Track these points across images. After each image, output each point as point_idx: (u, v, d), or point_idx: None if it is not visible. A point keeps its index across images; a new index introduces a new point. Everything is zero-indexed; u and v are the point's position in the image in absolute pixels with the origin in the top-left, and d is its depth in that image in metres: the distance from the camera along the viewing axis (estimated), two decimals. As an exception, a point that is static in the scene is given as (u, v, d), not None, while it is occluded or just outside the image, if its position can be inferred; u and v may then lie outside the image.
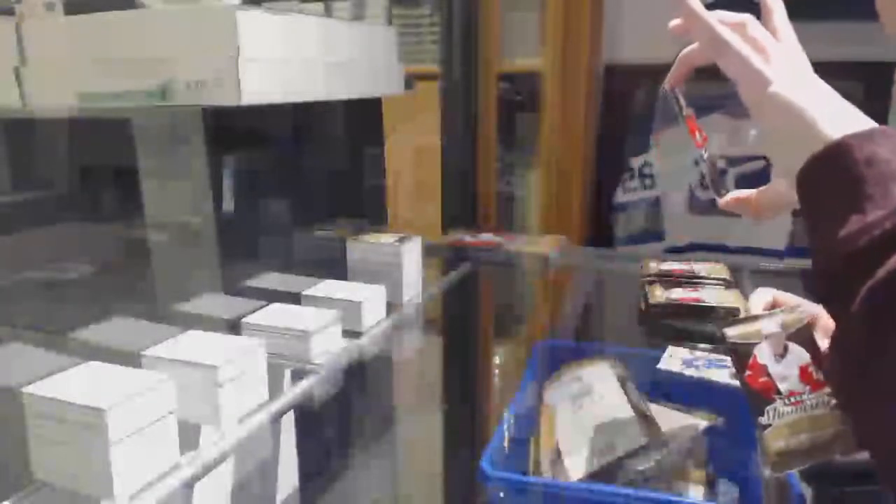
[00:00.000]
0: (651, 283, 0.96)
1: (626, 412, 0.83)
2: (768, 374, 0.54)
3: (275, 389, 0.65)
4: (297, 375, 0.70)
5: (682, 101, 0.58)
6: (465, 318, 1.28)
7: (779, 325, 0.55)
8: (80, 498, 0.51)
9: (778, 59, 0.48)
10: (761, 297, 0.62)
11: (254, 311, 0.75)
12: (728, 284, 0.96)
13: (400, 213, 1.32)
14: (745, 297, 0.87)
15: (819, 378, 0.53)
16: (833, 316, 0.41)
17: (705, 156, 0.58)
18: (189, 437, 0.57)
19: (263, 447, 0.81)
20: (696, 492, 0.81)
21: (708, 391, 0.87)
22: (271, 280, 0.85)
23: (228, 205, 0.86)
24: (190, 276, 0.81)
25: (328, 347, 0.73)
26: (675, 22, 0.52)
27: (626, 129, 1.58)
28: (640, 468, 0.77)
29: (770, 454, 0.52)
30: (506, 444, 0.86)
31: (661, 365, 0.91)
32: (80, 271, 0.83)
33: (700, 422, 0.87)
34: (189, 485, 0.54)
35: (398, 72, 0.97)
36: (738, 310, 0.85)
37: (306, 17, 0.76)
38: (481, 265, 1.14)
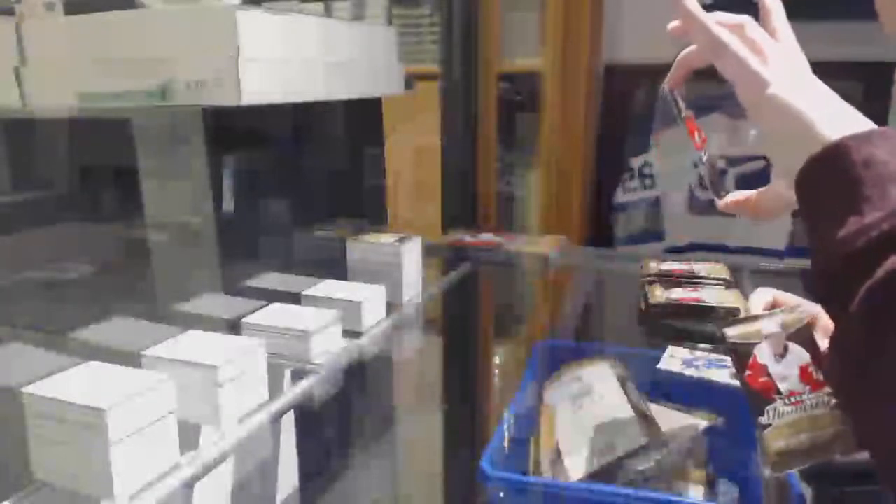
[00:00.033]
0: (651, 283, 0.96)
1: (626, 412, 0.83)
2: (768, 374, 0.54)
3: (275, 389, 0.65)
4: (297, 375, 0.70)
5: (682, 103, 0.58)
6: (465, 318, 1.28)
7: (779, 325, 0.55)
8: (80, 498, 0.51)
9: (776, 60, 0.48)
10: (761, 297, 0.62)
11: (254, 311, 0.75)
12: (728, 284, 0.96)
13: (400, 213, 1.32)
14: (745, 297, 0.87)
15: (819, 378, 0.53)
16: (832, 316, 0.41)
17: (704, 158, 0.59)
18: (189, 437, 0.57)
19: (263, 447, 0.81)
20: (696, 492, 0.81)
21: (708, 391, 0.87)
22: (271, 280, 0.85)
23: (228, 205, 0.86)
24: (190, 276, 0.81)
25: (328, 347, 0.73)
26: (673, 24, 0.53)
27: (626, 129, 1.58)
28: (640, 468, 0.77)
29: (770, 454, 0.52)
30: (506, 444, 0.86)
31: (661, 365, 0.91)
32: (80, 271, 0.83)
33: (700, 422, 0.87)
34: (189, 485, 0.54)
35: (398, 72, 0.97)
36: (738, 310, 0.85)
37: (306, 17, 0.76)
38: (481, 265, 1.14)
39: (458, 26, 1.21)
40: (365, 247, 0.91)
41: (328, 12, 1.07)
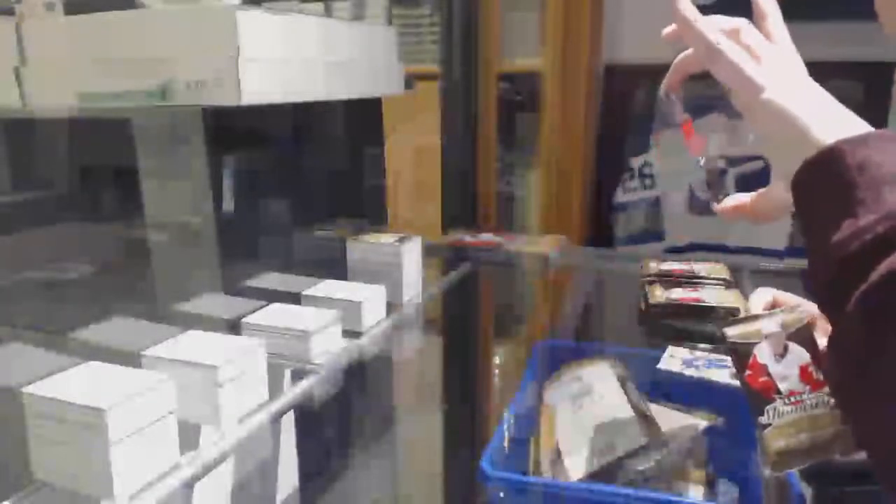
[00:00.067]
0: (651, 283, 0.96)
1: (626, 412, 0.83)
2: (768, 374, 0.54)
3: (275, 389, 0.65)
4: (297, 375, 0.70)
5: (679, 107, 0.58)
6: (465, 318, 1.28)
7: (779, 324, 0.55)
8: (80, 498, 0.51)
9: (771, 64, 0.48)
10: (761, 297, 0.62)
11: (254, 311, 0.75)
12: (728, 284, 0.96)
13: (400, 213, 1.32)
14: (745, 297, 0.87)
15: (819, 378, 0.53)
16: (829, 318, 0.41)
17: (701, 162, 0.59)
18: (189, 437, 0.57)
19: (263, 447, 0.81)
20: (696, 492, 0.81)
21: (708, 391, 0.87)
22: (271, 280, 0.85)
23: (228, 205, 0.86)
24: (190, 276, 0.81)
25: (328, 347, 0.73)
26: (668, 29, 0.53)
27: (626, 129, 1.58)
28: (640, 468, 0.77)
29: (770, 454, 0.53)
30: (506, 444, 0.86)
31: (661, 365, 0.91)
32: (80, 271, 0.83)
33: (700, 422, 0.87)
34: (189, 485, 0.54)
35: (398, 72, 0.97)
36: (738, 310, 0.85)
37: (306, 17, 0.76)
38: (481, 265, 1.14)
39: (458, 26, 1.21)
40: (365, 247, 0.91)
41: (328, 12, 1.07)
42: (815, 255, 0.41)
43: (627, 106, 1.58)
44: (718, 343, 0.65)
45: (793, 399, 0.53)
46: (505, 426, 0.87)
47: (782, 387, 0.53)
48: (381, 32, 0.94)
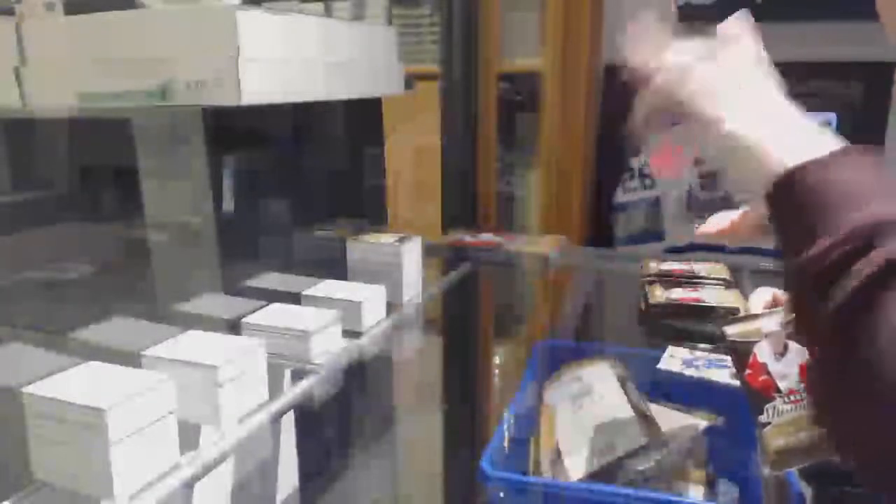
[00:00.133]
0: (651, 283, 0.96)
1: (626, 412, 0.83)
2: (768, 373, 0.54)
3: (275, 389, 0.65)
4: (297, 375, 0.70)
5: (648, 141, 0.57)
6: (465, 318, 1.28)
7: (779, 323, 0.56)
8: (80, 498, 0.51)
9: (728, 93, 0.48)
10: (761, 296, 0.62)
11: (254, 311, 0.75)
12: (728, 284, 0.96)
13: (400, 213, 1.32)
14: (745, 297, 0.87)
15: (819, 377, 0.53)
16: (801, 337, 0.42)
17: (674, 194, 0.58)
18: (189, 437, 0.57)
19: (263, 447, 0.81)
20: (696, 492, 0.81)
21: (708, 391, 0.87)
22: (271, 280, 0.85)
23: (228, 205, 0.86)
24: (190, 276, 0.81)
25: (328, 347, 0.73)
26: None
27: (626, 129, 1.58)
28: (640, 468, 0.77)
29: (769, 452, 0.53)
30: (506, 444, 0.86)
31: (661, 365, 0.91)
32: (80, 271, 0.83)
33: (700, 422, 0.87)
34: (189, 485, 0.54)
35: (398, 72, 0.97)
36: (738, 310, 0.85)
37: (306, 17, 0.76)
38: (481, 265, 1.14)
39: (458, 26, 1.21)
40: (365, 247, 0.91)
41: (328, 12, 1.07)
42: (787, 276, 0.42)
43: (627, 106, 1.58)
44: (718, 343, 0.65)
45: (792, 398, 0.53)
46: (505, 426, 0.87)
47: (782, 385, 0.53)
48: (381, 32, 0.94)
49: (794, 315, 0.43)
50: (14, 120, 0.79)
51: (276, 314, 0.74)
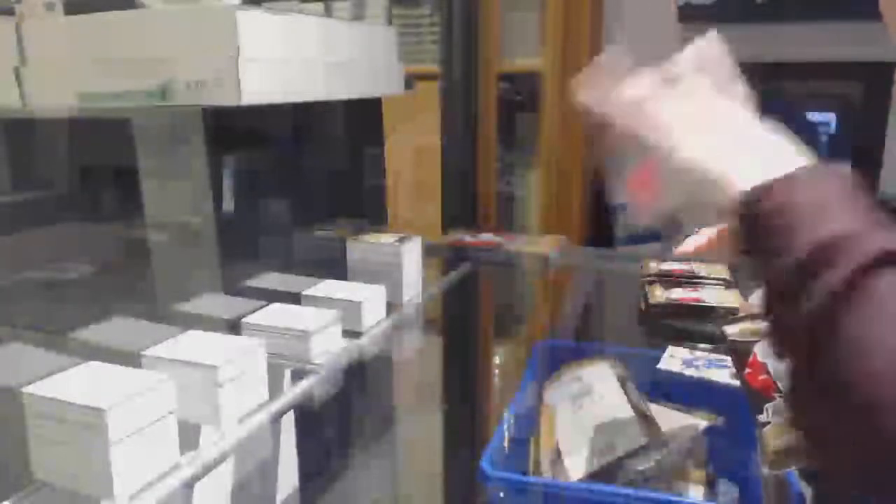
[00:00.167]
0: (651, 283, 0.96)
1: (626, 412, 0.83)
2: (768, 372, 0.54)
3: (275, 389, 0.65)
4: (297, 375, 0.70)
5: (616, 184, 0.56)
6: (465, 318, 1.28)
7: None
8: (80, 498, 0.51)
9: (680, 122, 0.48)
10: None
11: (254, 311, 0.75)
12: (728, 284, 0.96)
13: (400, 213, 1.32)
14: (745, 297, 0.88)
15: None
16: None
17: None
18: (189, 437, 0.57)
19: (263, 447, 0.81)
20: (696, 492, 0.81)
21: (708, 391, 0.87)
22: (271, 280, 0.85)
23: (228, 205, 0.86)
24: (190, 276, 0.81)
25: (328, 347, 0.73)
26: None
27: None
28: (640, 468, 0.77)
29: (769, 452, 0.53)
30: (506, 444, 0.86)
31: (661, 365, 0.91)
32: (80, 271, 0.83)
33: (700, 422, 0.87)
34: (189, 485, 0.54)
35: (398, 72, 0.97)
36: (737, 310, 0.85)
37: (306, 17, 0.76)
38: (481, 265, 1.14)
39: (458, 26, 1.21)
40: (365, 247, 0.91)
41: (328, 12, 1.07)
42: (761, 290, 0.43)
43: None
44: (718, 343, 0.65)
45: (793, 398, 0.53)
46: (505, 426, 0.87)
47: (782, 385, 0.53)
48: (381, 32, 0.94)
49: (768, 324, 0.43)
50: (14, 120, 0.79)
51: (276, 314, 0.74)
